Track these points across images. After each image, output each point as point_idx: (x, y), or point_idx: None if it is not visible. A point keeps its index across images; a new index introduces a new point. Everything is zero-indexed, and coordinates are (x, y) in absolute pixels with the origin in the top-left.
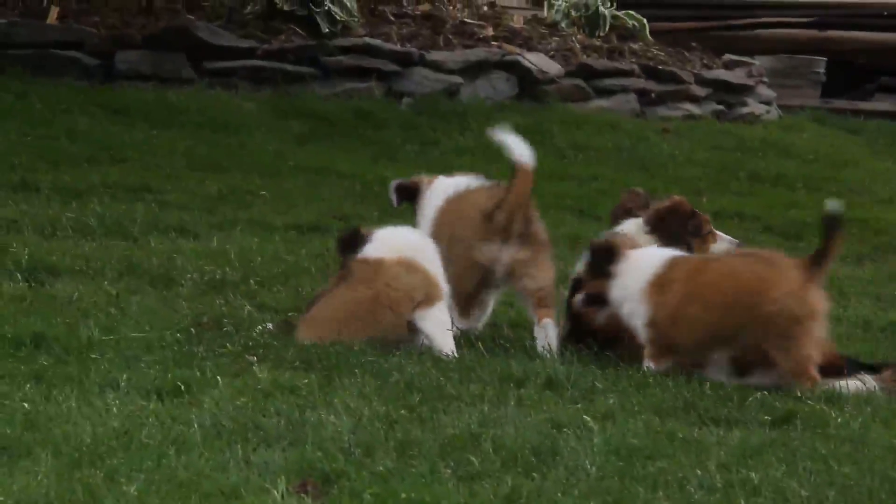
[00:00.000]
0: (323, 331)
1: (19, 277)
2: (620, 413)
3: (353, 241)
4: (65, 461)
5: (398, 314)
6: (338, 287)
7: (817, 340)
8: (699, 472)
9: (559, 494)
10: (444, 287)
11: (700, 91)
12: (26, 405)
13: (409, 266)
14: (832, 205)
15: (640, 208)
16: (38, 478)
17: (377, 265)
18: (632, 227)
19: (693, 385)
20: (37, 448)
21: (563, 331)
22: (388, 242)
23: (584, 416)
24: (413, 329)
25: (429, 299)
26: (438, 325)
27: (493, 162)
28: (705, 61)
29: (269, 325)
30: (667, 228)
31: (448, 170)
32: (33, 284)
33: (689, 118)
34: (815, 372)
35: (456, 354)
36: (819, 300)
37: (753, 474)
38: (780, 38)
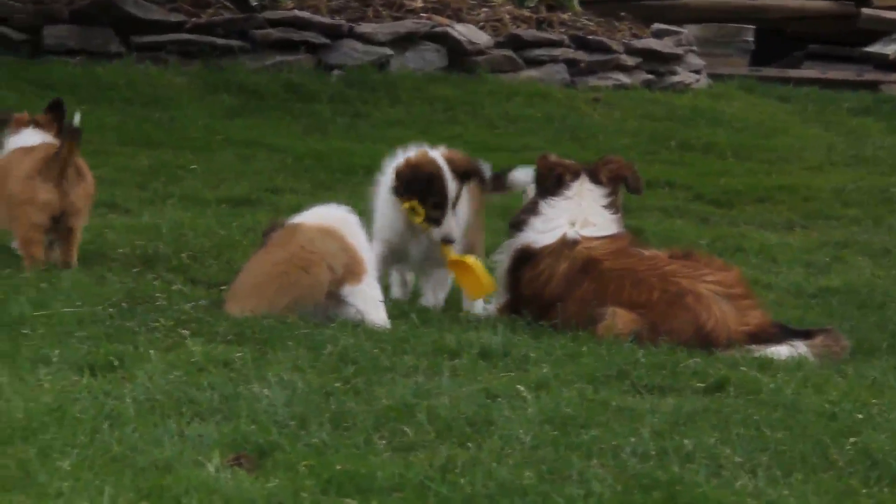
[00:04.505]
0: (245, 300)
1: None
2: (554, 382)
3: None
4: None
5: (313, 276)
6: (257, 253)
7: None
8: (633, 439)
9: (494, 464)
10: (369, 260)
11: (630, 60)
12: None
13: (327, 233)
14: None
15: None
16: None
17: (293, 229)
18: None
19: (626, 353)
20: None
21: (501, 301)
22: (311, 214)
23: (518, 386)
24: (338, 301)
25: (354, 274)
26: (369, 301)
27: (425, 133)
28: (634, 31)
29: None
30: None
31: (380, 142)
32: None
33: (620, 87)
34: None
35: (389, 326)
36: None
37: (687, 441)
38: (709, 6)
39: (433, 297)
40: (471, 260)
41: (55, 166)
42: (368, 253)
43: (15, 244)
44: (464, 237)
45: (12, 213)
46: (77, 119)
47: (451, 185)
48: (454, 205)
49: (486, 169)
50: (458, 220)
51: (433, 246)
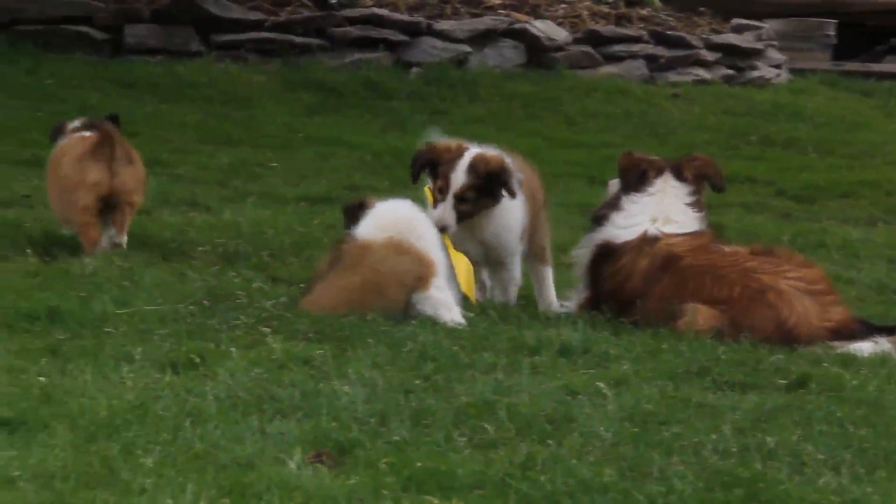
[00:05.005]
0: None
1: (31, 253)
2: (634, 379)
3: (356, 212)
4: (81, 434)
5: (388, 297)
6: (329, 274)
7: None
8: (714, 436)
9: (574, 461)
10: (438, 261)
11: (709, 56)
12: (42, 379)
13: (397, 248)
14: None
15: None
16: (55, 451)
17: (363, 249)
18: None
19: (707, 350)
20: (53, 422)
21: (580, 297)
22: (378, 220)
23: (599, 383)
24: (411, 307)
25: (422, 280)
26: (440, 305)
27: (504, 130)
28: (714, 26)
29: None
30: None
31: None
32: (47, 259)
33: (699, 83)
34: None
35: (466, 324)
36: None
37: (769, 438)
38: (790, 1)
39: (502, 294)
40: (461, 262)
41: (102, 149)
42: (438, 253)
43: (65, 230)
44: (525, 238)
45: (66, 197)
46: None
47: (460, 176)
48: (463, 198)
49: (517, 184)
50: (503, 222)
51: (486, 243)
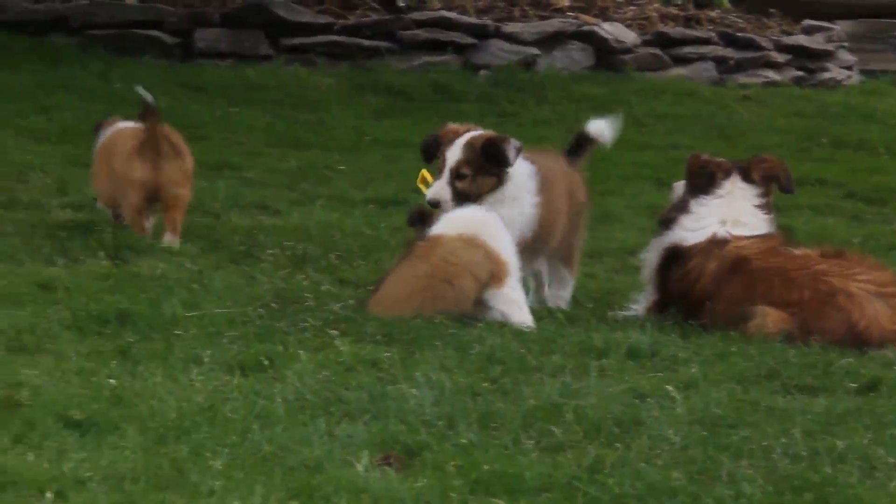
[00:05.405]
0: (390, 310)
1: (103, 255)
2: (703, 382)
3: (420, 218)
4: (151, 436)
5: (458, 288)
6: (399, 266)
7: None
8: (784, 440)
9: (643, 464)
10: (512, 262)
11: (779, 57)
12: (112, 381)
13: (469, 242)
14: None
15: None
16: (125, 453)
17: (435, 241)
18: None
19: (776, 353)
20: (123, 424)
21: (648, 299)
22: (450, 220)
23: (667, 386)
24: (483, 306)
25: (496, 278)
26: (512, 304)
27: (572, 132)
28: (784, 27)
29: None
30: None
31: (526, 141)
32: (117, 262)
33: (769, 85)
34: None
35: (535, 326)
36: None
37: (839, 442)
38: (861, 1)
39: (552, 297)
40: None
41: (148, 146)
42: (511, 254)
43: (100, 204)
44: (552, 240)
45: (118, 191)
46: (146, 94)
47: (456, 152)
48: (459, 174)
49: (512, 150)
50: (506, 210)
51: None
